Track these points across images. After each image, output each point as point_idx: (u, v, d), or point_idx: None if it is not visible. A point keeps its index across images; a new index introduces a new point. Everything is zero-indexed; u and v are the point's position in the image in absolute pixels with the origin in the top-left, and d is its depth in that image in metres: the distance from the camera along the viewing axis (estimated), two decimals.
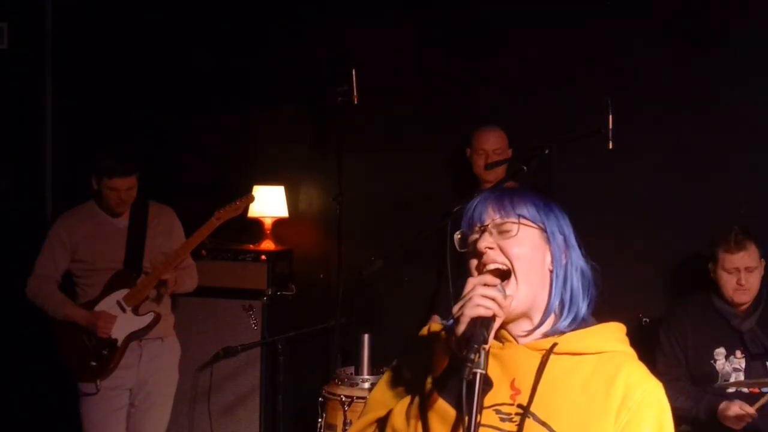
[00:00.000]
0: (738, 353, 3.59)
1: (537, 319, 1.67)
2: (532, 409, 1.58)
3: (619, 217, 4.31)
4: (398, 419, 1.64)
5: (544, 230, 1.68)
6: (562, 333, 1.66)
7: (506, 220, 1.65)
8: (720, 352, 3.59)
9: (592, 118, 3.80)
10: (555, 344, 1.63)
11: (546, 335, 1.66)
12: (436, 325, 1.79)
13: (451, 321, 1.64)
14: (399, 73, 4.70)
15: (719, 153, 4.21)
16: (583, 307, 1.69)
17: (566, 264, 1.69)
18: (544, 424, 1.57)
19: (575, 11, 4.42)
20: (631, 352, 1.71)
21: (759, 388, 3.46)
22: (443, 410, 1.57)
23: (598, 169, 4.25)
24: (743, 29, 4.20)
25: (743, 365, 3.58)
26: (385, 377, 1.79)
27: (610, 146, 3.71)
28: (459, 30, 4.64)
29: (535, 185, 3.51)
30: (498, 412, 1.61)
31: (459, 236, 1.70)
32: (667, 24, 4.30)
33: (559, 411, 1.59)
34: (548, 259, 1.68)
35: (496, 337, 1.63)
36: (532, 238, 1.66)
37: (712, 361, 3.59)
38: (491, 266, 1.63)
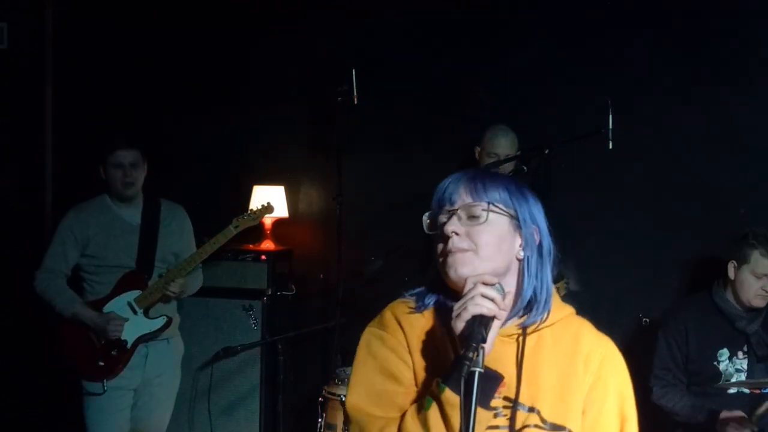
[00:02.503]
0: (740, 354, 3.57)
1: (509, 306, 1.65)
2: (519, 398, 1.59)
3: (618, 217, 4.31)
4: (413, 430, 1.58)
5: (515, 218, 1.64)
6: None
7: (476, 203, 1.63)
8: (723, 353, 3.57)
9: (592, 118, 3.81)
10: (525, 327, 1.64)
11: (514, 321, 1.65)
12: (398, 305, 1.73)
13: (425, 302, 1.67)
14: (399, 73, 4.70)
15: (719, 153, 4.21)
16: (551, 284, 1.69)
17: (539, 253, 1.66)
18: (531, 409, 1.59)
19: (575, 11, 4.43)
20: (572, 310, 1.74)
21: (760, 389, 3.46)
22: (447, 398, 1.54)
23: (598, 169, 4.26)
24: (744, 29, 4.20)
25: (745, 366, 3.56)
26: (366, 382, 1.65)
27: (610, 146, 3.72)
28: (459, 30, 4.64)
29: (534, 185, 3.51)
30: (490, 409, 1.59)
31: (427, 218, 1.67)
32: (667, 24, 4.30)
33: (540, 392, 1.60)
34: (518, 247, 1.65)
35: None
36: (501, 225, 1.63)
37: (715, 363, 3.57)
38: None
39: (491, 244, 1.61)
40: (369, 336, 1.70)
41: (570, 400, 1.60)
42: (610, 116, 3.70)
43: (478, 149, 4.16)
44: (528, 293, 1.65)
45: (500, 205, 1.63)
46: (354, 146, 4.59)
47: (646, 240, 4.28)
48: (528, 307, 1.66)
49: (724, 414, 3.37)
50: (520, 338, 1.63)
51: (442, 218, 1.64)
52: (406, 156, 4.69)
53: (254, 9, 4.97)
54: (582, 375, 1.62)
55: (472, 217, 1.62)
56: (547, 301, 1.66)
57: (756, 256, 3.48)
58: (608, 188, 4.34)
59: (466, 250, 1.61)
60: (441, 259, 1.63)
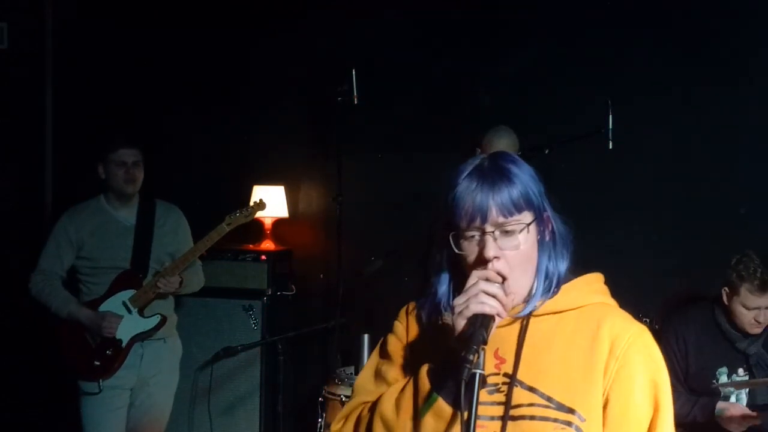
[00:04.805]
0: (741, 371, 3.51)
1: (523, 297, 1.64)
2: (518, 376, 1.58)
3: (618, 217, 4.31)
4: (387, 407, 1.62)
5: (539, 218, 1.62)
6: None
7: (510, 219, 1.58)
8: (722, 371, 3.51)
9: (592, 118, 3.81)
10: (532, 310, 1.62)
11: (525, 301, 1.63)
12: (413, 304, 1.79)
13: (424, 302, 1.70)
14: (399, 73, 4.70)
15: (719, 153, 4.21)
16: (563, 269, 1.66)
17: (552, 239, 1.65)
18: (531, 389, 1.57)
19: (575, 11, 4.43)
20: (612, 303, 1.68)
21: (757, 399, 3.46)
22: (439, 407, 1.56)
23: (598, 169, 4.25)
24: (744, 29, 4.20)
25: None
26: (370, 362, 1.78)
27: (610, 146, 3.72)
28: (459, 30, 4.64)
29: None
30: (485, 384, 1.58)
31: (455, 236, 1.60)
32: (667, 24, 4.30)
33: (546, 373, 1.58)
34: (536, 238, 1.62)
35: None
36: (529, 234, 1.60)
37: (714, 380, 3.50)
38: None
39: (523, 258, 1.59)
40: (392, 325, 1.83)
41: (584, 384, 1.56)
42: (610, 116, 3.70)
43: (478, 150, 4.14)
44: (541, 281, 1.63)
45: (530, 215, 1.59)
46: (354, 146, 4.58)
47: (646, 240, 4.28)
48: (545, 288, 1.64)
49: (722, 406, 3.35)
50: (525, 321, 1.62)
51: (471, 232, 1.58)
52: (406, 156, 4.68)
53: (254, 9, 4.97)
54: (603, 361, 1.57)
55: (506, 233, 1.58)
56: (557, 285, 1.63)
57: (743, 290, 3.39)
58: (608, 188, 4.33)
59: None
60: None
